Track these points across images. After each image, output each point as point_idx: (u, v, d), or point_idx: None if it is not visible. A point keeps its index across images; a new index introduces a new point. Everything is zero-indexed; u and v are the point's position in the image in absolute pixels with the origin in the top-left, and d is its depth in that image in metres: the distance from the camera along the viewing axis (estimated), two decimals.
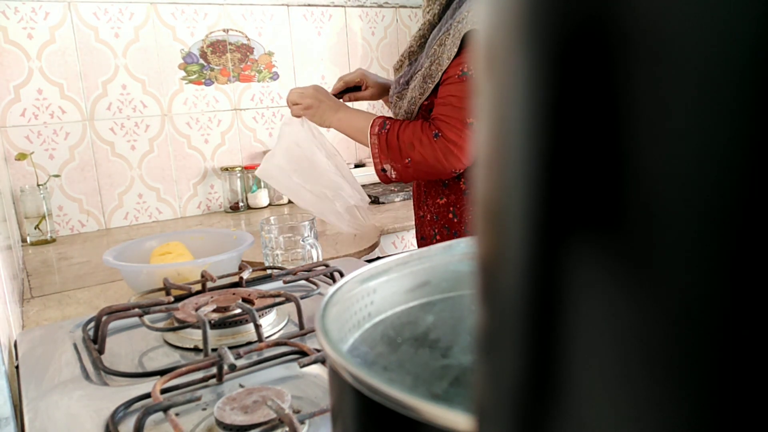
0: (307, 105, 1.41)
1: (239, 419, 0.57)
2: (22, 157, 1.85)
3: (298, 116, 1.42)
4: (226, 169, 2.18)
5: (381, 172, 1.32)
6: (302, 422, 0.58)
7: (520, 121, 0.13)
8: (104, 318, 0.83)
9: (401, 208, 2.02)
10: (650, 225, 0.10)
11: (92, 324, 0.88)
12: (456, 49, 1.20)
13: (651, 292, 0.11)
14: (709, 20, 0.09)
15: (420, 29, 1.34)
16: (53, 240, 1.88)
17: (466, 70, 1.20)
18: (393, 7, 2.56)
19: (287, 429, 0.55)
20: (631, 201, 0.11)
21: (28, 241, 1.85)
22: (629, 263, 0.11)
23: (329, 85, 2.44)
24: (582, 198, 0.11)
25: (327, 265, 1.07)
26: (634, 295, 0.11)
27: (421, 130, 1.25)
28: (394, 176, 1.31)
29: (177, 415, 0.62)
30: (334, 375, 0.29)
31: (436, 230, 1.39)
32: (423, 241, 1.47)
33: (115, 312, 0.86)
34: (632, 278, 0.11)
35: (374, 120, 1.33)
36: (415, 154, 1.24)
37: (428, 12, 1.32)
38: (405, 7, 2.59)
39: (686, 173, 0.10)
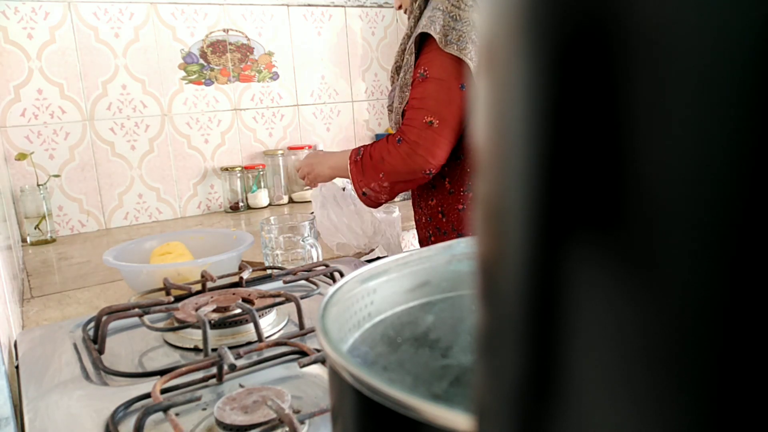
0: (305, 174, 1.48)
1: (239, 419, 0.57)
2: (22, 157, 1.85)
3: (311, 186, 1.50)
4: (226, 169, 2.18)
5: (363, 197, 1.36)
6: (302, 422, 0.58)
7: (520, 120, 0.13)
8: (104, 318, 0.83)
9: (401, 209, 2.02)
10: (650, 225, 0.10)
11: (92, 324, 0.89)
12: (413, 56, 1.26)
13: (651, 291, 0.11)
14: (709, 21, 0.09)
15: (401, 43, 1.39)
16: (53, 240, 1.88)
17: (423, 72, 1.25)
18: (393, 7, 2.56)
19: (287, 429, 0.55)
20: (631, 201, 0.11)
21: (28, 241, 1.85)
22: (629, 263, 0.11)
23: (329, 84, 2.45)
24: (582, 198, 0.11)
25: (327, 265, 1.07)
26: (634, 295, 0.11)
27: (387, 142, 1.29)
28: (380, 198, 1.35)
29: (177, 415, 0.62)
30: (334, 375, 0.29)
31: (430, 231, 1.41)
32: (420, 243, 1.49)
33: (115, 312, 0.86)
34: (632, 278, 0.11)
35: (351, 152, 1.37)
36: (385, 166, 1.28)
37: (406, 27, 1.40)
38: None
39: (686, 173, 0.10)
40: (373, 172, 1.30)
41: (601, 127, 0.11)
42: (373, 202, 1.36)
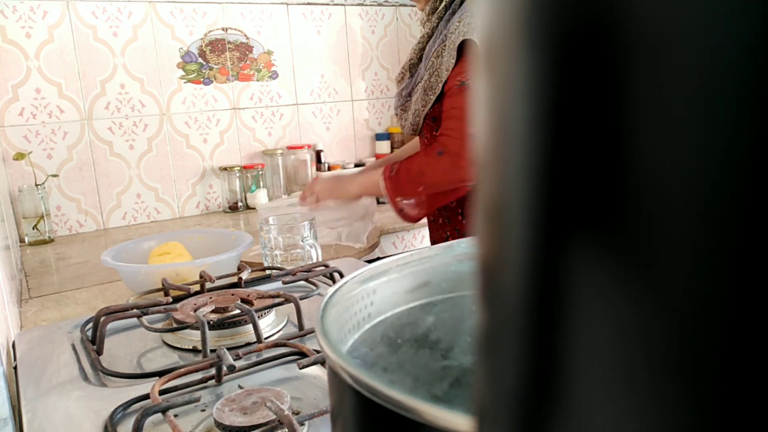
0: (322, 195, 1.41)
1: (238, 420, 0.57)
2: (20, 156, 1.85)
3: (314, 205, 1.42)
4: (225, 169, 2.18)
5: (400, 213, 1.34)
6: (302, 424, 0.58)
7: (521, 120, 0.13)
8: (102, 319, 0.83)
9: None
10: (650, 225, 0.10)
11: (90, 325, 0.88)
12: (453, 60, 1.22)
13: (651, 292, 0.11)
14: (709, 21, 0.09)
15: (419, 41, 1.34)
16: (51, 240, 1.88)
17: (464, 80, 1.22)
18: (393, 5, 2.56)
19: (286, 430, 0.55)
20: (631, 201, 0.11)
21: (26, 242, 1.85)
22: (630, 264, 0.11)
23: (328, 83, 2.45)
24: (582, 198, 0.11)
25: (326, 266, 1.07)
26: (635, 296, 0.11)
27: (425, 155, 1.26)
28: (414, 213, 1.33)
29: (176, 416, 0.61)
30: (334, 376, 0.29)
31: (448, 233, 1.40)
32: (434, 244, 1.48)
33: (113, 313, 0.86)
34: (633, 279, 0.11)
35: (384, 169, 1.33)
36: (425, 179, 1.26)
37: (427, 25, 1.33)
38: (405, 5, 2.59)
39: (686, 174, 0.10)
40: (411, 185, 1.28)
41: (602, 126, 0.11)
42: (410, 218, 1.35)
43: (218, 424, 0.58)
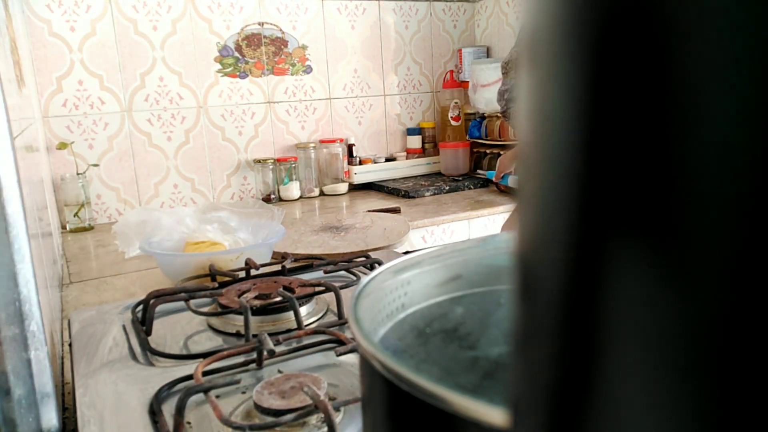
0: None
1: (276, 404, 0.59)
2: (62, 146, 1.90)
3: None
4: (259, 161, 2.21)
5: None
6: (337, 410, 0.59)
7: (563, 116, 0.13)
8: (152, 301, 0.86)
9: (431, 203, 2.04)
10: (698, 227, 0.10)
11: (140, 307, 0.91)
12: None
13: (694, 297, 0.10)
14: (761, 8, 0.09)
15: None
16: (91, 227, 1.93)
17: None
18: (427, 0, 2.57)
19: (322, 415, 0.56)
20: (678, 200, 0.10)
21: (68, 228, 1.91)
22: (674, 266, 0.11)
23: (361, 78, 2.46)
24: (626, 195, 0.11)
25: (367, 257, 1.08)
26: (679, 299, 0.11)
27: None
28: None
29: (217, 397, 0.63)
30: (365, 364, 0.30)
31: None
32: None
33: (162, 296, 0.88)
34: (676, 281, 0.11)
35: None
36: None
37: None
38: (438, 0, 2.59)
39: (735, 173, 0.10)
40: None
41: (646, 120, 0.11)
42: None
43: (257, 407, 0.59)
